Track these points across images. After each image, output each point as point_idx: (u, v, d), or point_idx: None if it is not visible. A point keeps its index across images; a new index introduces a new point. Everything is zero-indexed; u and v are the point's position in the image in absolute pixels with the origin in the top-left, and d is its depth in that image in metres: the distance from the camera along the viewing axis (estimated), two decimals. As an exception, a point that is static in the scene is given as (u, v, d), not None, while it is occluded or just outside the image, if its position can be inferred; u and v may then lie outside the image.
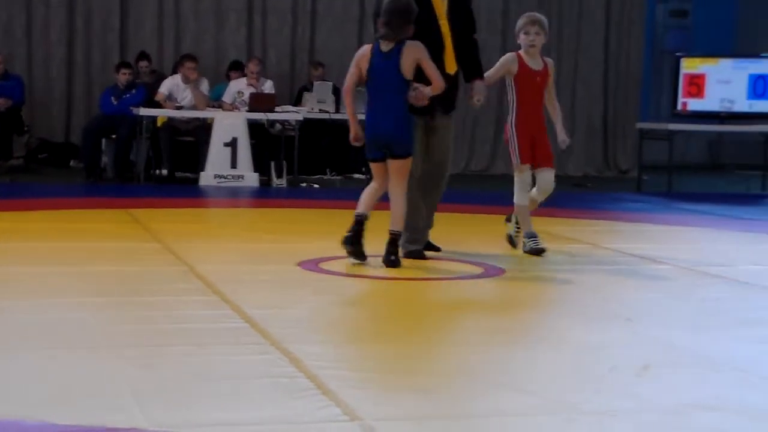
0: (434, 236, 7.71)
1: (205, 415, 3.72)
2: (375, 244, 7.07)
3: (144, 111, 13.19)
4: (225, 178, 12.99)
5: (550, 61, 7.91)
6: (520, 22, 7.82)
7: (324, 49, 16.06)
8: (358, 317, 5.78)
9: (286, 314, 5.43)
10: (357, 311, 5.98)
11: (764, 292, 6.59)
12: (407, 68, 6.98)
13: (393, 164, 7.04)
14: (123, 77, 13.70)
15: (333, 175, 14.51)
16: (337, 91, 14.08)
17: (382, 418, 3.72)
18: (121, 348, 4.64)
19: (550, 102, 7.86)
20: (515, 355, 4.82)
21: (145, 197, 11.37)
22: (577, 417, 3.84)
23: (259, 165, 13.30)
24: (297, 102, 14.93)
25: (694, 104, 14.55)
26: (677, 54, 15.15)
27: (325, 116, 14.15)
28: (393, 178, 7.05)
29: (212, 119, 13.30)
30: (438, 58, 7.32)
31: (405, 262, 7.11)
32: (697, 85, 14.47)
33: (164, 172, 13.70)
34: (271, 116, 13.72)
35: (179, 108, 13.51)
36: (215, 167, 13.03)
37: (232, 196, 12.20)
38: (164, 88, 13.63)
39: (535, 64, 7.76)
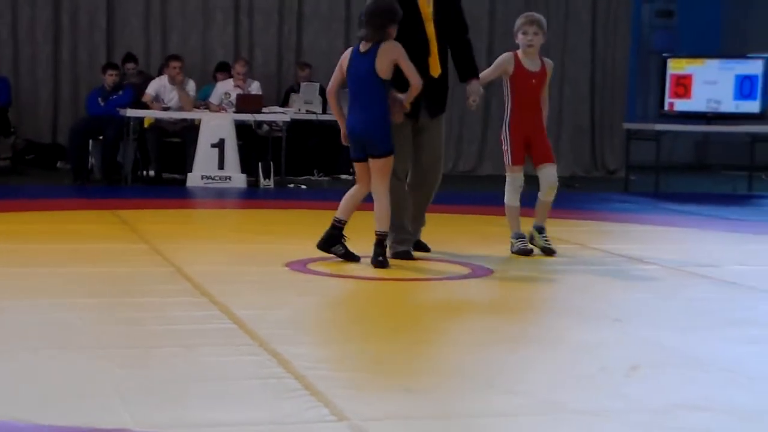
0: (422, 236, 7.71)
1: (194, 416, 3.72)
2: (363, 244, 7.08)
3: (131, 112, 13.17)
4: (212, 179, 12.97)
5: (549, 62, 7.84)
6: (518, 21, 7.76)
7: (311, 49, 16.06)
8: (346, 318, 5.78)
9: (274, 315, 5.43)
10: (345, 312, 5.98)
11: (751, 292, 6.60)
12: (382, 68, 6.96)
13: (372, 164, 7.06)
14: (110, 78, 13.67)
15: (320, 176, 14.51)
16: (324, 92, 14.02)
17: (370, 419, 3.71)
18: (109, 349, 4.63)
19: (543, 103, 7.81)
20: (503, 356, 4.82)
21: (132, 198, 11.35)
22: (566, 417, 3.84)
23: (247, 166, 13.29)
24: (284, 103, 14.93)
25: (680, 105, 14.58)
26: (664, 55, 15.19)
27: (312, 117, 14.15)
28: (374, 177, 7.06)
29: (199, 120, 13.29)
30: (423, 61, 7.31)
31: (393, 262, 7.10)
32: (683, 85, 14.51)
33: (151, 173, 13.69)
34: (258, 117, 13.72)
35: (166, 109, 13.49)
36: (202, 168, 13.01)
37: (220, 197, 12.18)
38: (151, 89, 13.61)
39: (532, 65, 7.71)
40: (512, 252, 7.72)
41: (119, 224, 9.01)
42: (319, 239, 7.15)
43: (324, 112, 13.99)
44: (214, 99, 14.08)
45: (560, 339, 5.16)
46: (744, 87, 14.25)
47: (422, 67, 7.32)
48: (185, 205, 11.50)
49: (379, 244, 7.01)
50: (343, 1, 16.22)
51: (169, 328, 5.03)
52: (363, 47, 7.03)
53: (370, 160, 7.05)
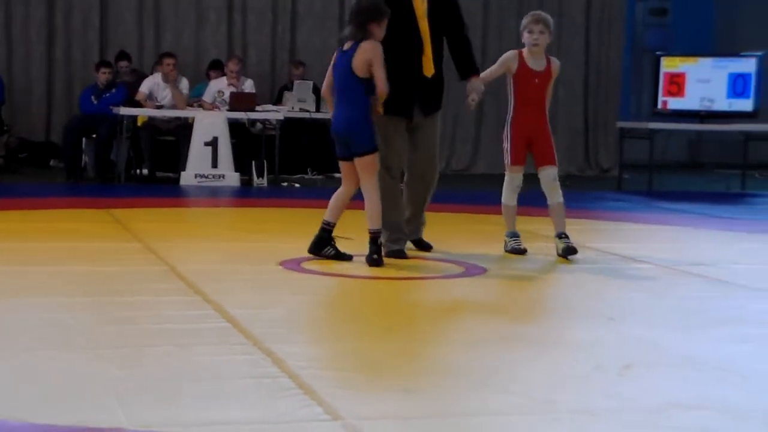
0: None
1: (188, 415, 3.71)
2: (358, 244, 7.08)
3: (124, 110, 13.16)
4: (206, 177, 12.97)
5: (556, 62, 7.78)
6: (524, 20, 7.70)
7: (304, 48, 16.06)
8: (340, 317, 5.77)
9: (268, 314, 5.43)
10: (339, 311, 5.98)
11: (744, 291, 6.61)
12: (359, 66, 6.94)
13: (357, 163, 7.05)
14: (103, 76, 13.66)
15: (314, 175, 14.51)
16: (317, 90, 14.08)
17: (363, 418, 3.72)
18: (103, 348, 4.63)
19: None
20: (498, 355, 4.82)
21: (125, 197, 11.34)
22: (560, 416, 3.85)
23: (240, 164, 13.28)
24: (277, 101, 14.93)
25: (674, 103, 14.60)
26: (657, 53, 15.20)
27: (306, 115, 14.15)
28: (360, 176, 7.07)
29: (193, 118, 13.28)
30: (417, 60, 7.31)
31: (387, 261, 7.11)
32: (677, 84, 14.52)
33: (145, 171, 13.69)
34: (252, 115, 13.72)
35: (159, 107, 13.48)
36: (196, 167, 13.01)
37: (213, 195, 12.18)
38: (145, 87, 13.61)
39: (536, 64, 7.64)
40: (506, 251, 7.72)
41: (113, 223, 9.00)
42: (310, 243, 7.15)
43: (317, 110, 14.00)
44: (207, 97, 14.08)
45: (554, 338, 5.17)
46: (737, 85, 14.26)
47: (416, 66, 7.32)
48: (179, 203, 11.49)
49: (374, 242, 7.01)
50: (336, -1, 16.23)
51: (163, 327, 5.03)
52: (346, 46, 7.04)
53: (355, 158, 7.06)
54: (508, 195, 7.71)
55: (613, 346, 4.96)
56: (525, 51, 7.64)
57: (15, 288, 6.01)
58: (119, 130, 13.19)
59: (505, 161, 7.72)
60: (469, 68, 7.58)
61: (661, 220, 10.40)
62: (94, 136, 13.42)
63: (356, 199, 7.22)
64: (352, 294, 6.44)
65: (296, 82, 14.64)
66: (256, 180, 13.29)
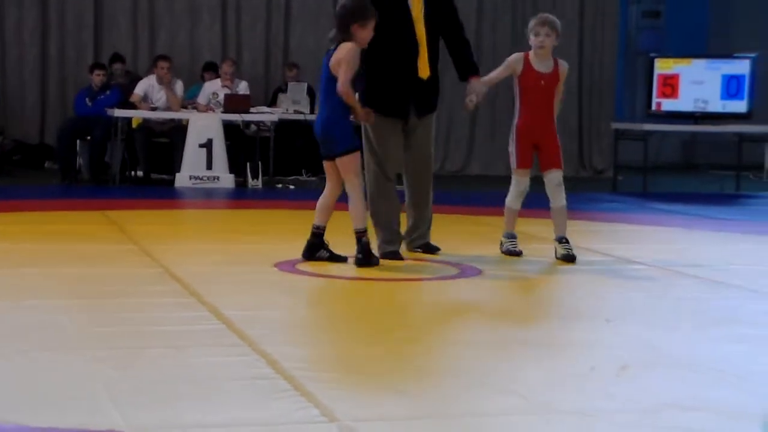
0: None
1: (183, 417, 3.71)
2: (353, 245, 7.08)
3: (119, 112, 13.14)
4: (200, 179, 12.95)
5: (564, 64, 7.69)
6: (531, 23, 7.63)
7: (298, 49, 16.04)
8: (336, 318, 5.77)
9: (263, 315, 5.43)
10: (334, 312, 5.97)
11: (739, 292, 6.61)
12: (335, 67, 6.94)
13: (338, 163, 7.06)
14: (97, 78, 13.64)
15: (308, 176, 14.49)
16: (311, 92, 14.09)
17: (360, 419, 3.71)
18: (98, 350, 4.62)
19: (555, 104, 7.70)
20: (494, 355, 4.82)
21: (120, 199, 11.32)
22: (556, 417, 3.85)
23: (235, 166, 13.27)
24: (272, 103, 14.92)
25: (668, 104, 14.60)
26: (651, 55, 15.21)
27: (300, 117, 14.13)
28: (343, 176, 7.07)
29: (187, 120, 13.27)
30: (412, 63, 7.31)
31: (382, 262, 7.11)
32: (671, 85, 14.53)
33: (140, 173, 13.67)
34: (246, 117, 13.71)
35: (154, 109, 13.47)
36: (190, 168, 12.99)
37: (208, 197, 12.17)
38: (139, 89, 13.59)
39: (543, 66, 7.56)
40: (501, 252, 7.71)
41: (107, 225, 8.99)
42: (303, 249, 7.15)
43: (312, 112, 13.97)
44: (201, 99, 14.07)
45: (550, 339, 5.17)
46: (731, 87, 14.27)
47: (411, 68, 7.32)
48: (173, 205, 11.48)
49: (359, 242, 7.00)
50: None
51: (158, 329, 5.02)
52: (333, 47, 7.04)
53: (336, 159, 7.06)
54: (513, 198, 7.63)
55: (609, 347, 4.96)
56: (531, 53, 7.58)
57: (10, 290, 5.99)
58: (114, 131, 13.17)
59: (511, 165, 7.65)
60: (468, 69, 7.57)
61: (656, 221, 10.41)
62: (88, 137, 13.39)
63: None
64: (347, 295, 6.44)
65: (290, 84, 14.62)
66: (250, 181, 13.27)
